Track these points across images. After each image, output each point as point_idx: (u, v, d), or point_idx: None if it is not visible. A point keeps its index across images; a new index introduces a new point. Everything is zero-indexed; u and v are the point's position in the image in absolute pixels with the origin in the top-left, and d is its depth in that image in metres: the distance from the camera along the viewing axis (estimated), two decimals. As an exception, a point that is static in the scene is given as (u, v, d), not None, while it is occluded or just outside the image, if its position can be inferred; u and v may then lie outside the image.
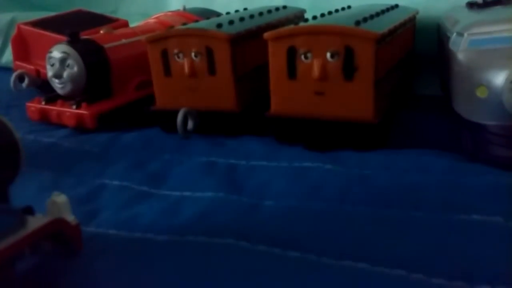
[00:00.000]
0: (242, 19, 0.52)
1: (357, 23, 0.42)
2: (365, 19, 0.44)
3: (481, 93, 0.37)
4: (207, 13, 0.66)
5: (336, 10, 0.53)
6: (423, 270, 0.26)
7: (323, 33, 0.42)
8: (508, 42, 0.37)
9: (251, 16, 0.54)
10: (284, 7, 0.62)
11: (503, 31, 0.38)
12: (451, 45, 0.41)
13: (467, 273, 0.26)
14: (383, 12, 0.51)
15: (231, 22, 0.49)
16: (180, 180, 0.39)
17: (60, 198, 0.29)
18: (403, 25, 0.51)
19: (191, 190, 0.38)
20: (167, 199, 0.36)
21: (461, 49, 0.39)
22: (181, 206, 0.35)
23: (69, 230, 0.29)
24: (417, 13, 0.58)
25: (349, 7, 0.57)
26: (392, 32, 0.46)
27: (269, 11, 0.58)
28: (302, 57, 0.43)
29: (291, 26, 0.44)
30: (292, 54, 0.43)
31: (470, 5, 0.50)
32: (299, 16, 0.61)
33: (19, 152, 0.28)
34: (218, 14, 0.64)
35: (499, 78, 0.35)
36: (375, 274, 0.26)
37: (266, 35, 0.43)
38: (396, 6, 0.56)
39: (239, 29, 0.48)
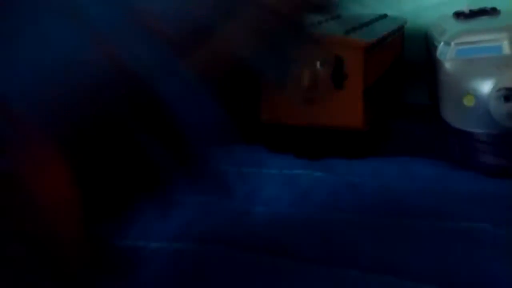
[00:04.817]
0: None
1: (347, 32, 0.42)
2: (354, 29, 0.44)
3: (468, 101, 0.37)
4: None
5: (326, 20, 0.54)
6: (413, 277, 0.26)
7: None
8: (494, 51, 0.38)
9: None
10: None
11: (490, 41, 0.38)
12: (439, 54, 0.42)
13: (456, 280, 0.26)
14: (372, 21, 0.52)
15: None
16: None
17: None
18: (392, 34, 0.52)
19: (181, 195, 0.37)
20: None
21: (448, 58, 0.40)
22: (171, 212, 0.35)
23: None
24: (406, 22, 0.58)
25: (338, 16, 0.57)
26: (381, 41, 0.46)
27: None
28: (292, 65, 0.43)
29: (281, 35, 0.44)
30: (282, 63, 0.43)
31: (457, 15, 0.50)
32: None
33: None
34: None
35: (485, 87, 0.36)
36: (366, 281, 0.26)
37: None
38: (385, 16, 0.57)
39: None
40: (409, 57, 0.61)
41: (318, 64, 0.42)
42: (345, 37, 0.41)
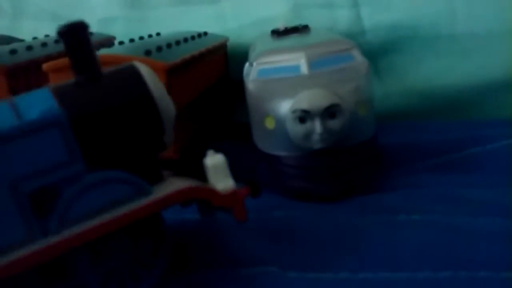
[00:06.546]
0: (30, 47, 0.46)
1: (147, 52, 0.39)
2: (159, 48, 0.41)
3: (269, 123, 0.36)
4: (4, 39, 0.59)
5: (141, 38, 0.50)
6: None
7: (110, 63, 0.38)
8: (293, 71, 0.37)
9: (44, 44, 0.48)
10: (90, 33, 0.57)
11: (289, 60, 0.37)
12: (244, 75, 0.40)
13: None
14: (189, 39, 0.49)
15: (29, 48, 0.44)
16: None
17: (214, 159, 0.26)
18: (210, 52, 0.50)
19: None
20: None
21: (251, 79, 0.38)
22: None
23: (215, 199, 0.26)
24: (227, 40, 0.57)
25: (158, 34, 0.54)
26: (191, 60, 0.44)
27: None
28: (89, 90, 0.38)
29: (76, 56, 0.39)
30: (77, 87, 0.38)
31: (273, 33, 0.50)
32: (104, 43, 0.56)
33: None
34: (20, 41, 0.58)
35: (283, 109, 0.35)
36: None
37: (46, 66, 0.39)
38: (205, 33, 0.55)
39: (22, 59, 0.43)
40: (235, 76, 0.60)
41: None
42: (144, 58, 0.38)
